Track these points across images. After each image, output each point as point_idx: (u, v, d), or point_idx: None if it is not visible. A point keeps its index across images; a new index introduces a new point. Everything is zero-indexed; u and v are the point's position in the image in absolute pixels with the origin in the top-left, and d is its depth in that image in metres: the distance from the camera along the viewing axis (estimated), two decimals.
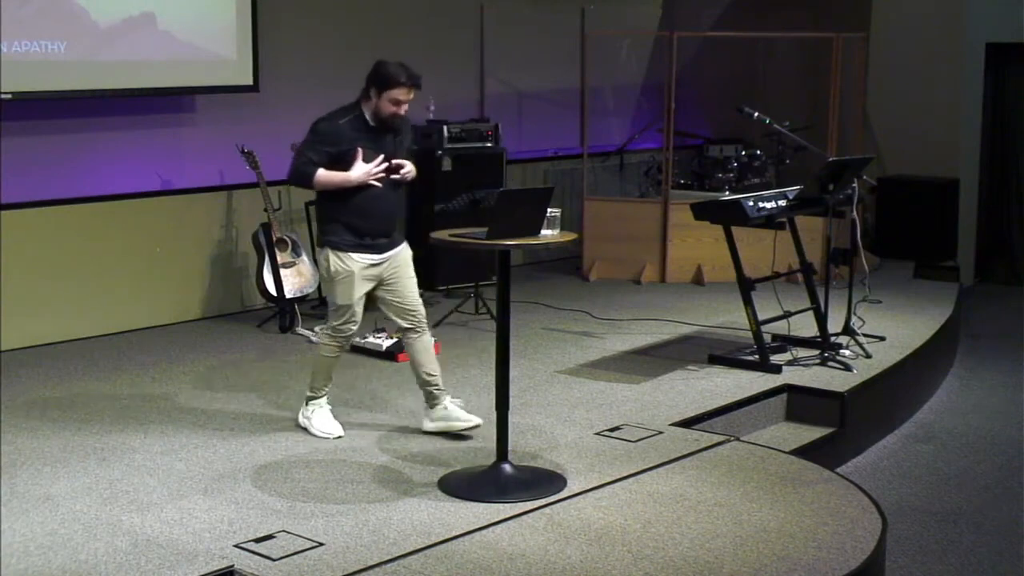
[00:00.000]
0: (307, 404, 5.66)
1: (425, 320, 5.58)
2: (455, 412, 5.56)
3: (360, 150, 5.28)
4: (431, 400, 5.58)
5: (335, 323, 5.49)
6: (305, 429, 5.62)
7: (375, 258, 5.41)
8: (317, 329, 7.53)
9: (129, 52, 7.46)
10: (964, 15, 10.25)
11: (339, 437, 5.53)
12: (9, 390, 6.31)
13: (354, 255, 5.37)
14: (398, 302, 5.51)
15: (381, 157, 5.33)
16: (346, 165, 5.31)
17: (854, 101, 9.82)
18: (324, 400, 5.64)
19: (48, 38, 7.10)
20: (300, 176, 5.36)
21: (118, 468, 5.15)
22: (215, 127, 8.09)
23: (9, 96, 6.91)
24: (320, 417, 5.61)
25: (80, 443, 5.49)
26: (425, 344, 5.57)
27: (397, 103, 5.26)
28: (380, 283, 5.48)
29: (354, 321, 5.46)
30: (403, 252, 5.55)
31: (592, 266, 9.53)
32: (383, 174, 5.35)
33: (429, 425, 5.60)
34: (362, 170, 5.29)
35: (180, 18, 7.65)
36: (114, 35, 7.39)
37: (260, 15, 8.00)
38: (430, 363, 5.55)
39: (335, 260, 5.38)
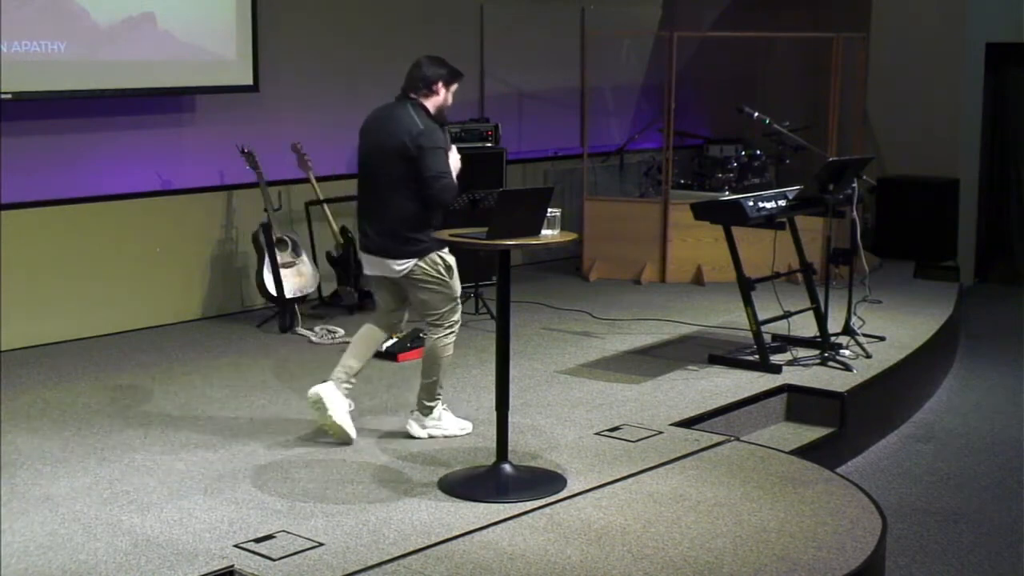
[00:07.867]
0: (431, 411, 5.53)
1: (399, 329, 5.78)
2: (338, 409, 5.41)
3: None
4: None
5: None
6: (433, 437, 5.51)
7: (363, 256, 5.48)
8: (317, 329, 7.54)
9: (129, 52, 7.46)
10: (964, 15, 10.26)
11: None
12: (9, 390, 6.31)
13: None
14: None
15: (454, 148, 5.38)
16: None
17: (854, 101, 9.82)
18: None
19: (48, 38, 7.10)
20: (453, 194, 5.31)
21: (118, 468, 5.16)
22: (215, 127, 8.09)
23: (9, 96, 6.91)
24: (447, 418, 5.59)
25: (80, 443, 5.49)
26: (373, 337, 5.55)
27: None
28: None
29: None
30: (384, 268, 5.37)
31: (592, 266, 9.53)
32: None
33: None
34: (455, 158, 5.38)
35: (180, 18, 7.65)
36: (114, 35, 7.38)
37: (260, 15, 7.99)
38: (357, 354, 5.50)
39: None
